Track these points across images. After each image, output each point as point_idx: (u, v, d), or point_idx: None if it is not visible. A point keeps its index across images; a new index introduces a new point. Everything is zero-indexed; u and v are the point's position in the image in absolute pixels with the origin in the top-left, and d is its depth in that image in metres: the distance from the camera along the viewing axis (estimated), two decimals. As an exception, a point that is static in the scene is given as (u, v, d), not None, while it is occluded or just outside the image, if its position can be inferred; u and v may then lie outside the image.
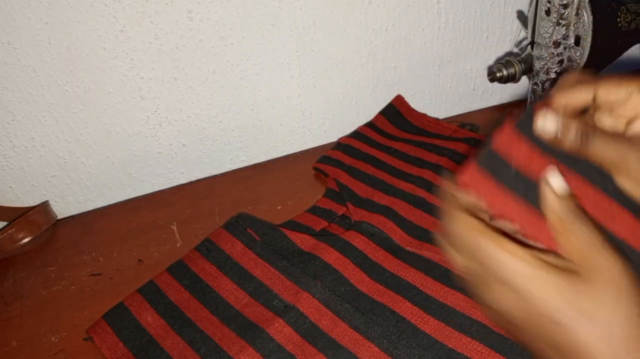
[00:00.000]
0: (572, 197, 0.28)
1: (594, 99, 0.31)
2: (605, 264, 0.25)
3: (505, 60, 0.62)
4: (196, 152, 0.66)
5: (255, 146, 0.69)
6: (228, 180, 0.65)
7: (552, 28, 0.56)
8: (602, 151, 0.28)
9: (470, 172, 0.28)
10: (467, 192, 0.29)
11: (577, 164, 0.28)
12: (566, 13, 0.54)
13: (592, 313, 0.25)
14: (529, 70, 0.62)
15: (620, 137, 0.28)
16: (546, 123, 0.28)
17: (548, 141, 0.28)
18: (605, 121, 0.31)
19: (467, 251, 0.28)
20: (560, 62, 0.58)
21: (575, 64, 0.57)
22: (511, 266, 0.26)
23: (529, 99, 0.66)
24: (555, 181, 0.28)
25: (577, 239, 0.26)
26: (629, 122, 0.30)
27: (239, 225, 0.53)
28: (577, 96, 0.31)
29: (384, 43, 0.67)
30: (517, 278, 0.26)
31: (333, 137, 0.72)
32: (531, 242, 0.28)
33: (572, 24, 0.55)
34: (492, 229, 0.27)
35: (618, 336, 0.24)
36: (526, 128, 0.28)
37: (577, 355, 0.25)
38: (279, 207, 0.59)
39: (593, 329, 0.25)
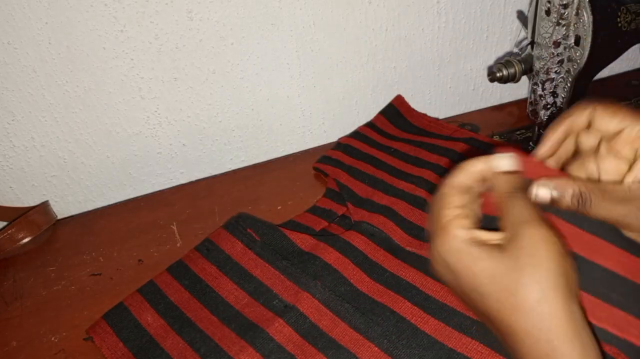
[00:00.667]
0: (517, 175, 0.31)
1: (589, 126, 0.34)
2: (530, 240, 0.27)
3: (505, 60, 0.62)
4: (196, 152, 0.66)
5: (255, 146, 0.69)
6: (228, 180, 0.65)
7: (552, 28, 0.56)
8: (602, 214, 0.30)
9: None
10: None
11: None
12: (566, 13, 0.54)
13: (511, 288, 0.27)
14: (529, 70, 0.62)
15: (619, 192, 0.30)
16: (539, 193, 0.31)
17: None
18: (605, 163, 0.34)
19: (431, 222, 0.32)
20: (560, 62, 0.58)
21: (575, 64, 0.57)
22: (445, 243, 0.30)
23: (529, 99, 0.66)
24: (503, 161, 0.31)
25: (510, 213, 0.29)
26: (631, 166, 0.32)
27: (239, 225, 0.53)
28: (573, 122, 0.34)
29: (384, 43, 0.68)
30: (449, 255, 0.30)
31: (333, 137, 0.72)
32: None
33: (572, 24, 0.55)
34: (453, 209, 0.31)
35: (534, 309, 0.26)
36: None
37: (503, 325, 0.28)
38: (279, 207, 0.59)
39: (511, 302, 0.27)
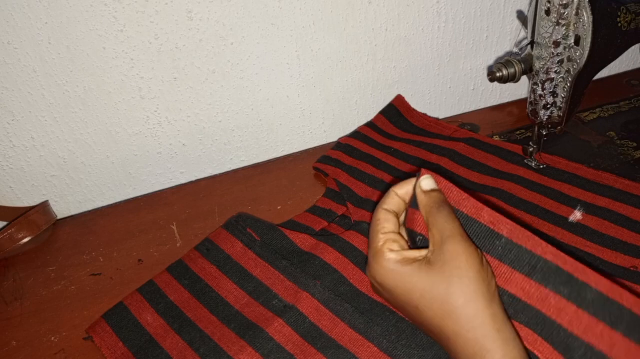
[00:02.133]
0: (440, 192, 0.35)
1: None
2: (453, 254, 0.31)
3: (505, 60, 0.62)
4: (196, 152, 0.66)
5: (255, 146, 0.69)
6: (228, 180, 0.65)
7: (552, 28, 0.56)
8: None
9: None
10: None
11: (467, 230, 0.34)
12: (566, 13, 0.54)
13: (439, 298, 0.30)
14: (529, 70, 0.62)
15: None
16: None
17: None
18: None
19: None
20: (560, 62, 0.58)
21: (575, 64, 0.57)
22: (380, 266, 0.33)
23: (529, 99, 0.66)
24: (424, 182, 0.35)
25: (436, 227, 0.32)
26: None
27: (239, 225, 0.53)
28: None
29: (384, 43, 0.68)
30: (384, 277, 0.33)
31: (333, 137, 0.72)
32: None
33: (572, 24, 0.55)
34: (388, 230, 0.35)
35: (461, 315, 0.30)
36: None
37: (437, 331, 0.32)
38: (279, 207, 0.59)
39: (441, 310, 0.31)
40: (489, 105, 0.79)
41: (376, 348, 0.40)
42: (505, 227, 0.33)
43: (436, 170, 0.58)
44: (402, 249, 0.34)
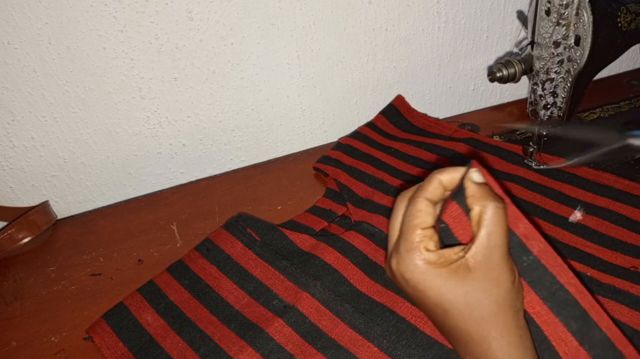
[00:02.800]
0: (488, 187, 0.32)
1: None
2: (495, 265, 0.30)
3: (505, 60, 0.62)
4: (196, 152, 0.66)
5: (255, 146, 0.69)
6: (228, 180, 0.65)
7: (552, 28, 0.56)
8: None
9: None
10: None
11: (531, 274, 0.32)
12: (566, 13, 0.54)
13: (472, 303, 0.30)
14: (529, 70, 0.62)
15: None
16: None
17: None
18: None
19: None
20: (560, 62, 0.58)
21: (575, 64, 0.57)
22: (411, 263, 0.31)
23: (529, 99, 0.66)
24: (476, 174, 0.32)
25: (485, 230, 0.31)
26: None
27: (239, 225, 0.53)
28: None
29: (384, 43, 0.68)
30: (414, 275, 0.31)
31: (333, 137, 0.72)
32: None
33: (572, 24, 0.55)
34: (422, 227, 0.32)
35: (490, 322, 0.30)
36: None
37: (462, 334, 0.31)
38: (279, 207, 0.59)
39: (471, 316, 0.30)
40: (489, 105, 0.79)
41: (376, 348, 0.40)
42: (537, 246, 0.32)
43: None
44: (438, 247, 0.32)
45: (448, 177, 0.33)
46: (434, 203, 0.33)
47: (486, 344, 0.30)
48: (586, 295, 0.32)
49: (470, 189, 0.32)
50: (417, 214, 0.32)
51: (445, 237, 0.33)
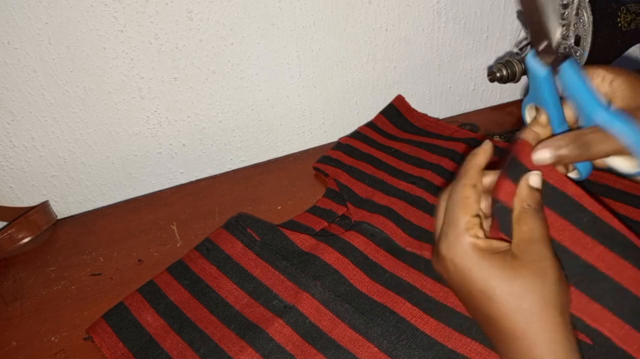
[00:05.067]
0: (540, 193, 0.33)
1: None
2: (540, 256, 0.30)
3: (505, 60, 0.62)
4: (196, 152, 0.66)
5: (255, 146, 0.69)
6: (228, 180, 0.65)
7: (552, 28, 0.56)
8: (606, 149, 0.32)
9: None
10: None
11: (550, 199, 0.33)
12: (566, 13, 0.54)
13: (519, 293, 0.30)
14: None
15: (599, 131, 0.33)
16: (540, 156, 0.33)
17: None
18: None
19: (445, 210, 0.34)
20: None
21: (575, 64, 0.57)
22: (460, 249, 0.31)
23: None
24: (534, 179, 0.33)
25: (526, 227, 0.31)
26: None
27: (239, 225, 0.53)
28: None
29: (384, 43, 0.68)
30: (463, 260, 0.31)
31: (333, 137, 0.72)
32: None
33: (572, 24, 0.55)
34: (472, 208, 0.33)
35: (536, 315, 0.29)
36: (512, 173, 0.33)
37: (504, 326, 0.31)
38: (279, 207, 0.59)
39: (517, 306, 0.30)
40: (489, 105, 0.79)
41: (376, 348, 0.40)
42: (588, 202, 0.33)
43: (436, 170, 0.58)
44: (486, 236, 0.32)
45: (484, 159, 0.34)
46: (478, 190, 0.34)
47: (530, 339, 0.30)
48: (636, 239, 0.32)
49: (522, 192, 0.32)
50: (465, 201, 0.32)
51: (502, 216, 0.33)
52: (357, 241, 0.49)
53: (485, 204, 0.35)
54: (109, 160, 0.62)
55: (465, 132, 0.65)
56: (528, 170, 0.33)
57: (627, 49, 0.61)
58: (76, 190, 0.63)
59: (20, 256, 0.56)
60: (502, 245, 0.32)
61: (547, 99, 0.34)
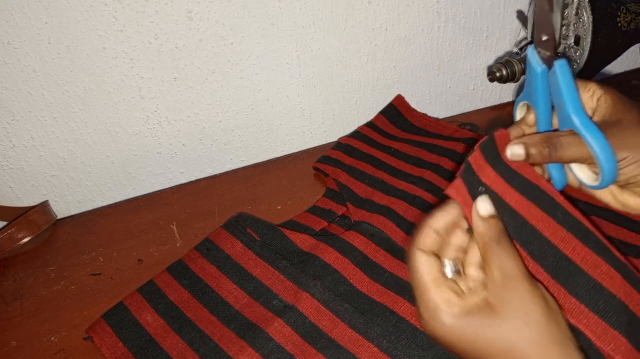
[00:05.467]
0: (497, 220, 0.31)
1: None
2: (518, 297, 0.28)
3: (505, 60, 0.62)
4: (196, 152, 0.66)
5: (255, 146, 0.69)
6: (228, 180, 0.65)
7: (552, 28, 0.56)
8: (573, 155, 0.32)
9: (456, 185, 0.32)
10: (453, 201, 0.32)
11: (529, 192, 0.32)
12: (566, 13, 0.54)
13: (508, 346, 0.28)
14: (529, 71, 0.62)
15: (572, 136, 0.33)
16: (514, 151, 0.32)
17: (519, 163, 0.33)
18: None
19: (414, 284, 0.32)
20: (560, 62, 0.58)
21: (575, 64, 0.57)
22: (439, 326, 0.30)
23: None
24: (482, 206, 0.31)
25: (496, 264, 0.29)
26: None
27: (239, 225, 0.53)
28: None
29: (384, 43, 0.68)
30: (448, 335, 0.30)
31: (333, 137, 0.72)
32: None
33: (572, 24, 0.55)
34: (437, 276, 0.31)
35: (530, 357, 0.27)
36: (489, 153, 0.33)
37: None
38: (279, 207, 0.59)
39: (512, 357, 0.28)
40: (489, 105, 0.79)
41: (376, 348, 0.40)
42: (561, 200, 0.33)
43: (436, 170, 0.58)
44: (457, 295, 0.30)
45: (439, 224, 0.32)
46: (432, 254, 0.31)
47: None
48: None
49: (476, 224, 0.31)
50: (420, 274, 0.30)
51: (483, 193, 0.32)
52: (357, 241, 0.49)
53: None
54: (109, 160, 0.62)
55: (465, 132, 0.65)
56: (481, 181, 0.32)
57: (627, 49, 0.61)
58: (76, 190, 0.63)
59: (20, 256, 0.56)
60: (476, 298, 0.30)
61: (538, 96, 0.34)
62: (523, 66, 0.61)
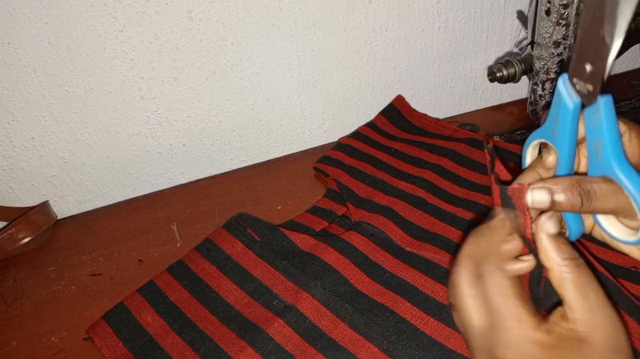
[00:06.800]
0: (560, 236, 0.27)
1: None
2: (607, 325, 0.26)
3: (505, 60, 0.62)
4: (196, 152, 0.66)
5: (255, 146, 0.69)
6: (228, 180, 0.65)
7: (552, 28, 0.56)
8: (608, 206, 0.27)
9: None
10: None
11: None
12: (566, 13, 0.54)
13: None
14: (529, 70, 0.62)
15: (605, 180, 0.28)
16: (535, 196, 0.28)
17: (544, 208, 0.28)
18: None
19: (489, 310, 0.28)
20: (560, 62, 0.58)
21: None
22: (519, 347, 0.26)
23: (529, 99, 0.66)
24: (548, 224, 0.27)
25: (576, 291, 0.26)
26: None
27: (239, 225, 0.53)
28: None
29: (384, 43, 0.68)
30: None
31: (333, 137, 0.72)
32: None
33: (572, 24, 0.55)
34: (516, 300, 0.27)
35: None
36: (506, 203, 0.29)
37: None
38: (279, 207, 0.59)
39: None
40: (489, 105, 0.79)
41: (376, 348, 0.40)
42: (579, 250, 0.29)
43: (436, 170, 0.58)
44: (540, 320, 0.27)
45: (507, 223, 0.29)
46: (506, 270, 0.29)
47: None
48: None
49: (545, 249, 0.27)
50: (508, 295, 0.27)
51: (545, 291, 0.29)
52: (357, 241, 0.49)
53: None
54: (109, 160, 0.62)
55: (465, 132, 0.65)
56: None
57: (627, 49, 0.61)
58: (76, 190, 0.63)
59: (20, 256, 0.56)
60: (566, 326, 0.26)
61: (565, 135, 0.29)
62: (523, 66, 0.61)
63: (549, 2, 0.54)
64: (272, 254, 0.49)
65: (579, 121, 0.28)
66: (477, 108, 0.78)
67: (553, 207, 0.27)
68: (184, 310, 0.46)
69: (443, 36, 0.70)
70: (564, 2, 0.53)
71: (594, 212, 0.28)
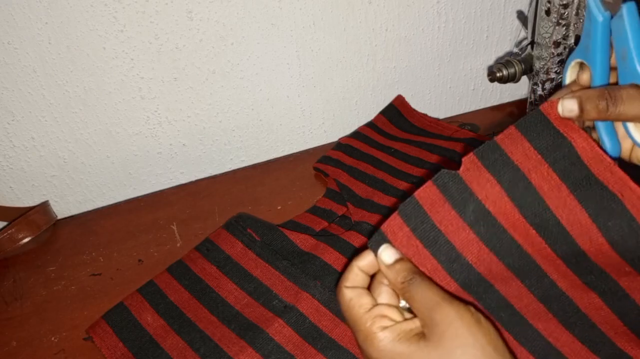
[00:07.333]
0: (404, 261, 0.31)
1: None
2: (446, 320, 0.28)
3: (505, 60, 0.62)
4: (196, 152, 0.66)
5: (255, 146, 0.69)
6: (228, 180, 0.65)
7: (552, 28, 0.56)
8: (632, 108, 0.29)
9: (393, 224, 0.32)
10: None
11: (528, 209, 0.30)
12: (566, 13, 0.54)
13: None
14: (529, 70, 0.62)
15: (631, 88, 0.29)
16: (566, 105, 0.29)
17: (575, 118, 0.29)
18: None
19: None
20: (560, 62, 0.58)
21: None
22: (375, 350, 0.29)
23: (529, 99, 0.66)
24: (384, 255, 0.32)
25: (416, 301, 0.29)
26: None
27: (239, 225, 0.53)
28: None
29: (384, 43, 0.68)
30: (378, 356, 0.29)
31: (333, 137, 0.72)
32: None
33: (572, 24, 0.55)
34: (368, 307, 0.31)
35: None
36: (490, 158, 0.31)
37: None
38: (279, 207, 0.59)
39: None
40: (489, 105, 0.79)
41: (376, 348, 0.40)
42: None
43: (436, 170, 0.58)
44: (392, 320, 0.30)
45: (365, 262, 0.33)
46: (361, 288, 0.32)
47: None
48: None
49: (385, 274, 0.31)
50: (350, 305, 0.31)
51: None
52: (358, 241, 0.49)
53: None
54: (109, 160, 0.62)
55: (465, 132, 0.65)
56: (472, 194, 0.31)
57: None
58: (76, 190, 0.63)
59: (20, 256, 0.56)
60: (412, 324, 0.30)
61: (596, 50, 0.30)
62: (523, 66, 0.61)
63: (549, 2, 0.54)
64: (272, 254, 0.49)
65: (610, 36, 0.30)
66: (477, 108, 0.78)
67: (582, 115, 0.29)
68: (184, 310, 0.46)
69: (443, 36, 0.70)
70: (564, 2, 0.53)
71: (621, 117, 0.29)
